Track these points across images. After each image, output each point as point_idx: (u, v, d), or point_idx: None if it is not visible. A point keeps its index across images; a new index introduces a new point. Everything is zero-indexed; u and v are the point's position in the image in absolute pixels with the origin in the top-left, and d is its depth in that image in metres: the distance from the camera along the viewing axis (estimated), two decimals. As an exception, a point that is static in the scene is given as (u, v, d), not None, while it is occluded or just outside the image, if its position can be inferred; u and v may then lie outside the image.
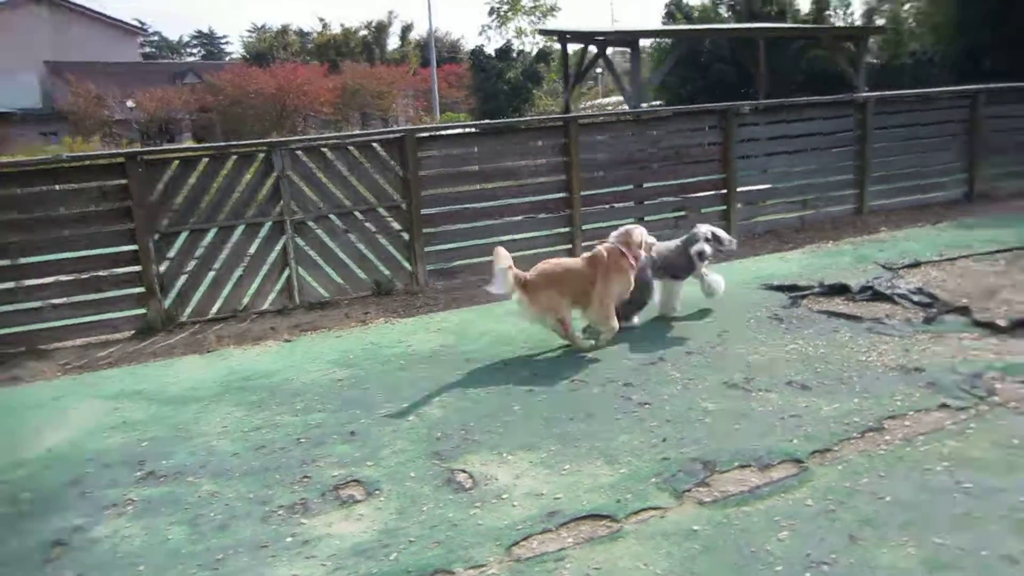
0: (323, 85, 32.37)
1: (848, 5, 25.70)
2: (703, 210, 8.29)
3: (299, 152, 6.83)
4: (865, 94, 10.22)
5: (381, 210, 7.14)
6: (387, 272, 7.24)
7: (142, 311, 6.49)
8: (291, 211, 6.77)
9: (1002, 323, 5.00)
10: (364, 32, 46.47)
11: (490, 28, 35.30)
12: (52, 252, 6.33)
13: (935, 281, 6.24)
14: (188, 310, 6.63)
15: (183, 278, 6.59)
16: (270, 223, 6.78)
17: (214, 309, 6.69)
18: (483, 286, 7.32)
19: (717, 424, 4.00)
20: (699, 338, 5.37)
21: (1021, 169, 9.86)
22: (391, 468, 3.78)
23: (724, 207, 8.35)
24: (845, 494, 3.23)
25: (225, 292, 6.69)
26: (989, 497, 3.12)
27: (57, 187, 6.47)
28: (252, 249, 6.76)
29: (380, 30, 47.53)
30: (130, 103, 31.79)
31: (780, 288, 6.39)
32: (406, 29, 50.13)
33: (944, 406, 3.98)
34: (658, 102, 23.40)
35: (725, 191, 8.34)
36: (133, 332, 6.47)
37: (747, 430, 3.89)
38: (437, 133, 7.59)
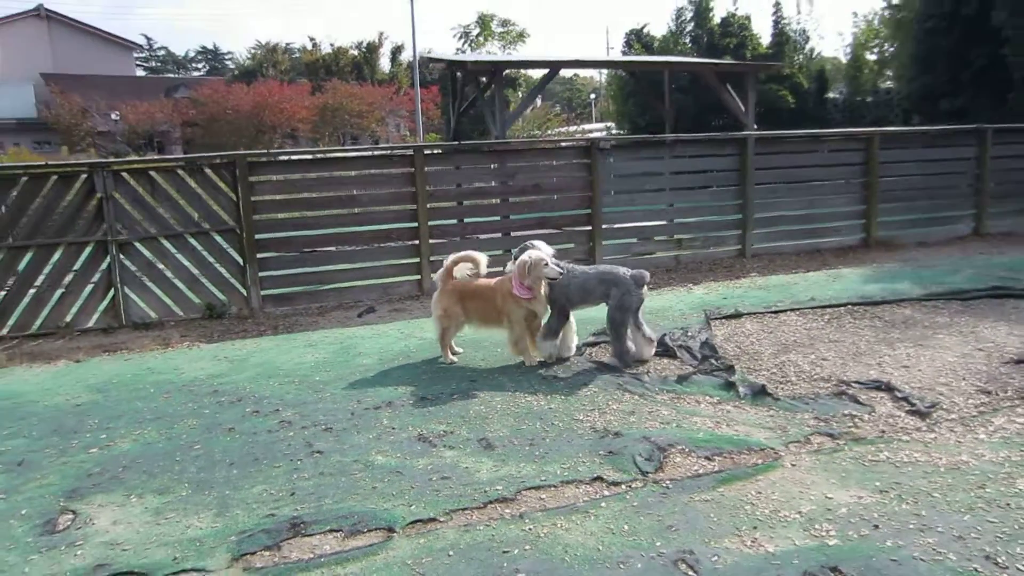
0: (301, 103, 32.77)
1: (807, 40, 25.08)
2: (566, 245, 7.97)
3: (124, 174, 6.88)
4: (746, 132, 9.83)
5: (215, 234, 7.16)
6: (223, 296, 7.24)
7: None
8: (115, 232, 6.83)
9: (743, 390, 4.71)
10: (355, 52, 47.20)
11: (462, 52, 35.47)
12: None
13: (739, 335, 5.93)
14: (8, 325, 6.74)
15: (1, 294, 6.70)
16: (94, 243, 6.84)
17: (35, 325, 6.78)
18: (318, 314, 7.35)
19: (362, 481, 3.81)
20: (451, 382, 5.19)
21: (928, 216, 9.36)
22: (15, 503, 3.72)
23: (590, 244, 8.12)
24: (395, 572, 3.04)
25: (47, 310, 6.78)
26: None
27: None
28: (76, 267, 6.84)
29: (371, 50, 48.24)
30: (114, 115, 32.54)
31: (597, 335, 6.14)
32: (396, 50, 50.77)
33: (599, 479, 3.72)
34: (619, 131, 23.18)
35: (590, 227, 8.11)
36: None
37: (383, 490, 3.70)
38: (274, 159, 7.56)
